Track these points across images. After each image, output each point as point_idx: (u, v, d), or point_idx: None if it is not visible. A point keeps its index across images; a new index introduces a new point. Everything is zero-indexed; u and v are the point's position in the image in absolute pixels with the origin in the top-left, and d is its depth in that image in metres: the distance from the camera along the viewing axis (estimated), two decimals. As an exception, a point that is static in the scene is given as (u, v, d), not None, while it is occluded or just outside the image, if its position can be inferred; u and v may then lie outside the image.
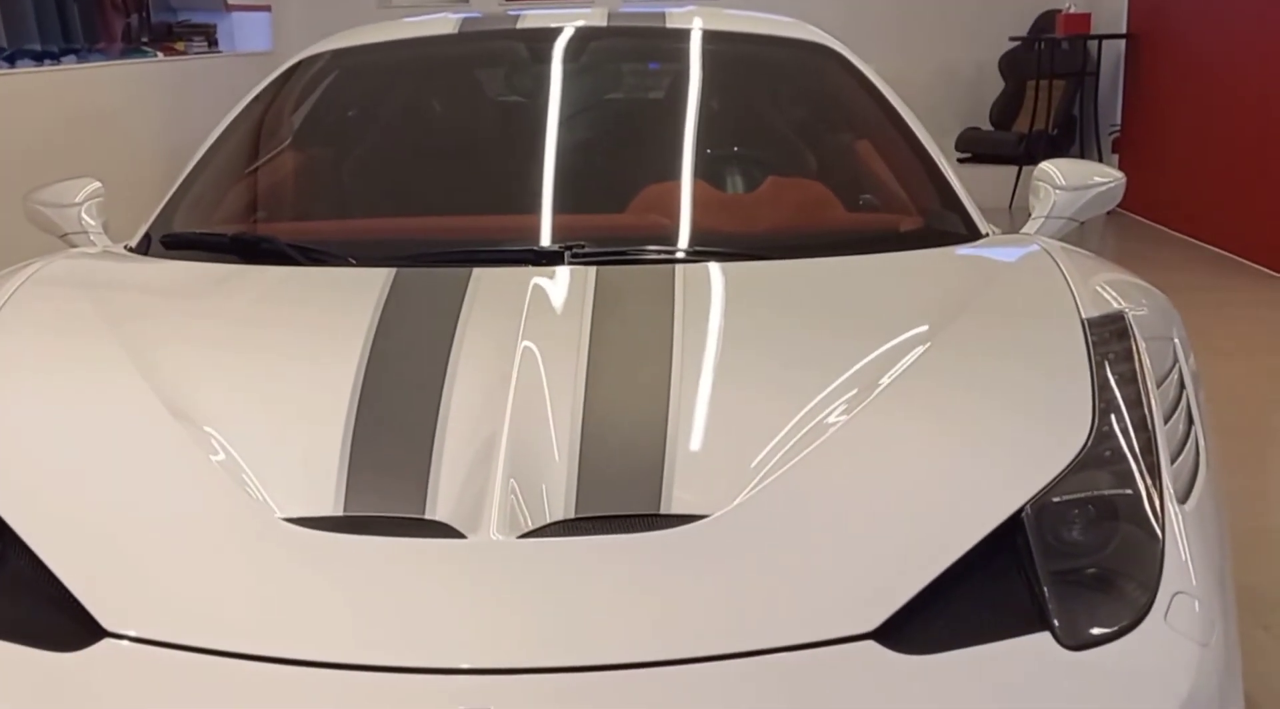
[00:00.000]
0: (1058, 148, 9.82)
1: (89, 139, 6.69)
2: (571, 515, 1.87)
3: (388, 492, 1.94)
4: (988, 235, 2.83)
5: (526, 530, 1.84)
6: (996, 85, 10.46)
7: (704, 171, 3.08)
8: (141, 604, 1.80)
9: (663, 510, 1.88)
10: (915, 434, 2.01)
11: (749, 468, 1.93)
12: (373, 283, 2.43)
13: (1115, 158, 9.90)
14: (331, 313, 2.44)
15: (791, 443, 1.96)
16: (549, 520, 1.86)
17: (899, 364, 2.12)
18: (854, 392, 2.06)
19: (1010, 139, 10.07)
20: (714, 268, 2.54)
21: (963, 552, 1.81)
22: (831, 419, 2.00)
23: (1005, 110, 10.37)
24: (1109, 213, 3.05)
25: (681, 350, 2.17)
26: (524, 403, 2.05)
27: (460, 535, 1.85)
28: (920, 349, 2.17)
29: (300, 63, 3.51)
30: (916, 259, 2.65)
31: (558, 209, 2.86)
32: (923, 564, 1.80)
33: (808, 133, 3.43)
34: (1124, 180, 3.14)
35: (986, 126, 10.41)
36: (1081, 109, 10.19)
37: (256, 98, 3.42)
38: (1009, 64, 10.38)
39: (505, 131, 3.26)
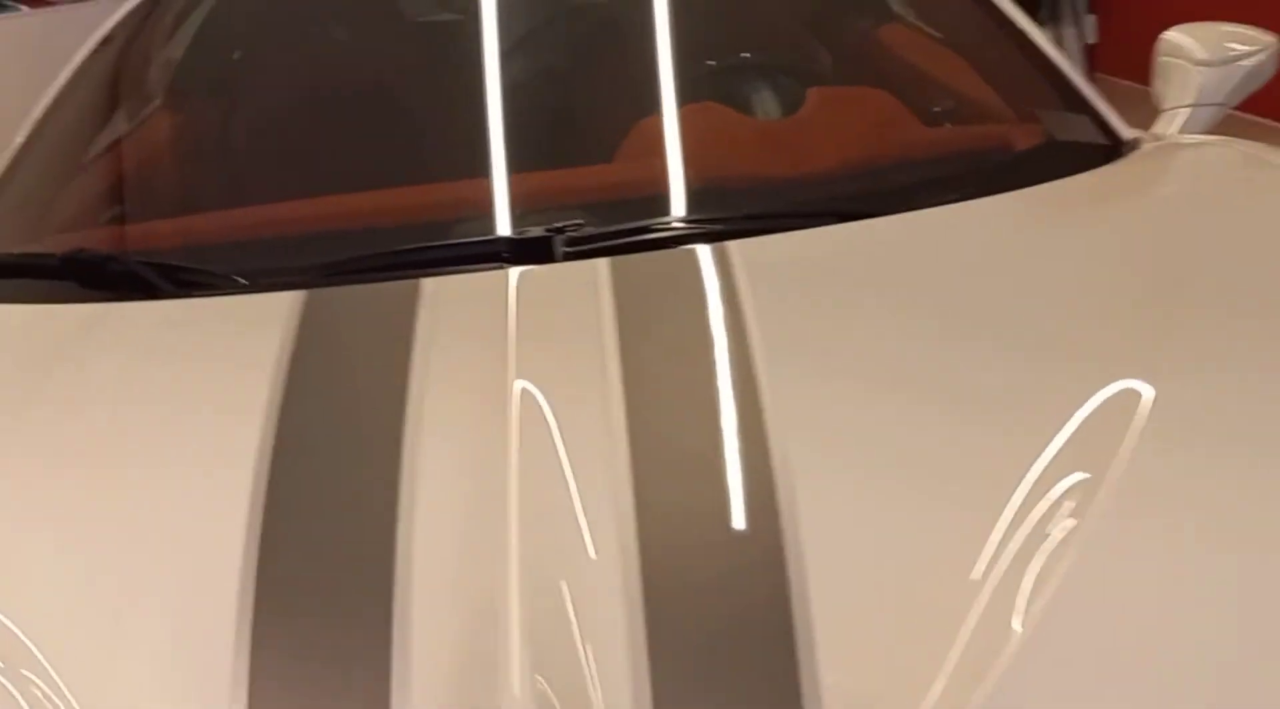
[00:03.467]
0: (1024, 7, 8.93)
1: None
2: None
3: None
4: (1136, 143, 2.01)
5: None
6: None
7: (719, 90, 2.22)
8: None
9: (808, 707, 1.07)
10: (1219, 547, 1.21)
11: (941, 623, 1.13)
12: (271, 321, 1.59)
13: (1092, 18, 9.06)
14: (210, 390, 1.56)
15: (998, 573, 1.17)
16: None
17: (1138, 411, 1.32)
18: (1082, 474, 1.26)
19: None
20: (783, 243, 1.70)
21: None
22: (1057, 525, 1.21)
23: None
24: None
25: (773, 400, 1.35)
26: (536, 515, 1.25)
27: None
28: (1151, 370, 1.38)
29: None
30: (1071, 196, 1.82)
31: (529, 170, 1.99)
32: None
33: (849, 22, 2.54)
34: (1278, 44, 2.33)
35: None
36: (1051, -37, 9.30)
37: (104, 43, 2.52)
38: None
39: (441, 65, 2.34)
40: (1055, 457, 1.30)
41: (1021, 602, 1.16)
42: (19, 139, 2.33)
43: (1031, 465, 1.29)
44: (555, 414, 1.36)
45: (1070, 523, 1.22)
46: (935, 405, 1.38)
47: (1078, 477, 1.27)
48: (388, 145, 2.08)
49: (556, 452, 1.31)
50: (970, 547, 1.20)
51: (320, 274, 1.73)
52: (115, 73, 2.50)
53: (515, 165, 1.97)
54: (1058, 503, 1.25)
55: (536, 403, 1.37)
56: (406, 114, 2.15)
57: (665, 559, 1.20)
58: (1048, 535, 1.22)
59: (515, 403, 1.37)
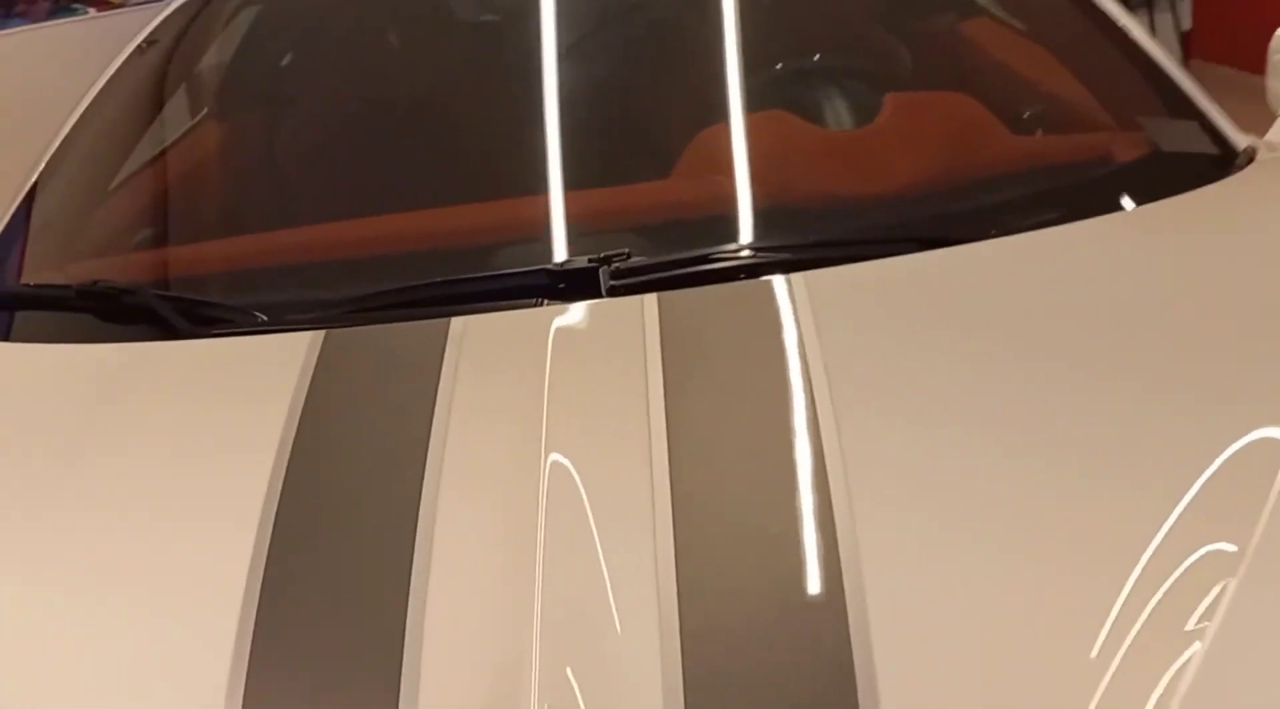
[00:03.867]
0: (1120, -3, 8.62)
1: (7, 127, 5.63)
2: None
3: None
4: (1251, 153, 1.80)
5: None
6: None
7: (787, 96, 2.03)
8: None
9: None
10: None
11: None
12: (284, 368, 1.45)
13: (1188, 2, 8.73)
14: (216, 447, 1.42)
15: (1112, 666, 1.01)
16: None
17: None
18: (1218, 543, 1.08)
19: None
20: (857, 276, 1.52)
21: None
22: (1186, 603, 1.05)
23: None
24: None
25: (843, 468, 1.18)
26: (563, 583, 1.12)
27: None
28: None
29: None
30: (1182, 217, 1.63)
31: (577, 187, 1.82)
32: None
33: (928, 18, 2.34)
34: None
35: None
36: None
37: (139, 52, 2.39)
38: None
39: (485, 75, 2.17)
40: (1183, 519, 1.12)
41: (1142, 700, 0.99)
42: (50, 150, 2.20)
43: (1155, 530, 1.12)
44: (590, 481, 1.21)
45: (1203, 601, 1.06)
46: (1038, 464, 1.21)
47: (1213, 545, 1.10)
48: (424, 163, 1.92)
49: (589, 522, 1.16)
50: (1081, 634, 1.03)
51: (346, 308, 1.59)
52: (151, 81, 2.37)
53: (562, 183, 1.80)
54: (1187, 576, 1.08)
55: (569, 467, 1.22)
56: (445, 129, 1.99)
57: (710, 640, 1.06)
58: (1175, 615, 1.05)
59: (545, 465, 1.22)
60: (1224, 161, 1.77)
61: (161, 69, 2.39)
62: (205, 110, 2.34)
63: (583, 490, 1.19)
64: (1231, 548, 1.10)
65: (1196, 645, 1.03)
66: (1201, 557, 1.10)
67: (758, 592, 1.10)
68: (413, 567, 1.15)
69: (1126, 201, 1.67)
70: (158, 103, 2.35)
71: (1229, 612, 1.05)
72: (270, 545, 1.21)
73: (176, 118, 2.33)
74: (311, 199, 1.97)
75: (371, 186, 1.91)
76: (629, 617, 1.08)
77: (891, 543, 1.12)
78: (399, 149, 1.95)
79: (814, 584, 1.09)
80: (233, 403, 1.47)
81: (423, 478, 1.24)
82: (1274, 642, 1.04)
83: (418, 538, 1.18)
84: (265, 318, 1.61)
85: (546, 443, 1.25)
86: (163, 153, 2.25)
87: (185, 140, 2.26)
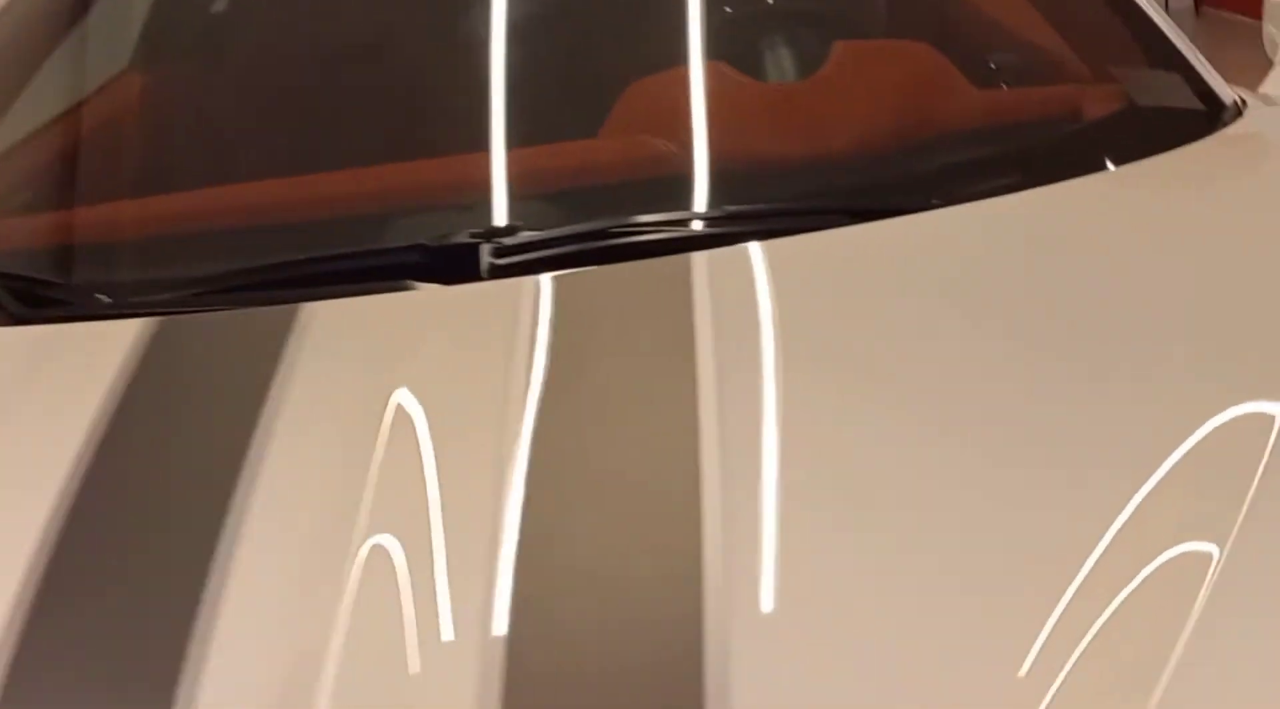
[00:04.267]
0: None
1: None
2: None
3: None
4: (1240, 109, 1.61)
5: None
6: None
7: (727, 45, 1.81)
8: None
9: None
10: None
11: None
12: (109, 357, 1.26)
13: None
14: (12, 448, 1.23)
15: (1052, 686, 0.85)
16: None
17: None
18: (1192, 543, 0.93)
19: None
20: (789, 251, 1.32)
21: None
22: (1152, 613, 0.89)
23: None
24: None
25: (728, 487, 1.00)
26: (367, 634, 0.96)
27: None
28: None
29: None
30: (1158, 181, 1.44)
31: (481, 154, 1.59)
32: None
33: None
34: None
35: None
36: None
37: None
38: None
39: (371, 16, 1.93)
40: (1146, 519, 0.95)
41: None
42: None
43: (1108, 529, 0.94)
44: (424, 510, 1.02)
45: (1172, 613, 0.89)
46: (977, 477, 1.02)
47: (1180, 548, 0.94)
48: (308, 123, 1.70)
49: (413, 561, 0.99)
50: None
51: (195, 289, 1.39)
52: (50, 15, 2.14)
53: (463, 144, 1.59)
54: (1147, 587, 0.91)
55: (401, 494, 1.04)
56: (333, 84, 1.76)
57: (532, 652, 0.90)
58: (1137, 626, 0.88)
59: (370, 492, 1.05)
60: (1210, 117, 1.57)
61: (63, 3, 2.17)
62: (105, 54, 2.13)
63: (411, 521, 1.00)
64: (1205, 549, 0.93)
65: (1157, 666, 0.86)
66: (1163, 565, 0.92)
67: (605, 644, 0.92)
68: (204, 589, 0.99)
69: (1100, 162, 1.48)
70: (54, 40, 2.13)
71: (1196, 626, 0.88)
72: (50, 557, 1.05)
73: (72, 62, 2.12)
74: (186, 163, 1.75)
75: (253, 148, 1.70)
76: (440, 662, 0.91)
77: (765, 594, 0.93)
78: (285, 107, 1.73)
79: (670, 644, 0.90)
80: (36, 404, 1.27)
81: (232, 494, 1.06)
82: (1246, 662, 0.87)
83: (214, 560, 1.02)
84: (109, 299, 1.41)
85: (379, 465, 1.06)
86: (64, 104, 2.03)
87: (80, 89, 2.05)
